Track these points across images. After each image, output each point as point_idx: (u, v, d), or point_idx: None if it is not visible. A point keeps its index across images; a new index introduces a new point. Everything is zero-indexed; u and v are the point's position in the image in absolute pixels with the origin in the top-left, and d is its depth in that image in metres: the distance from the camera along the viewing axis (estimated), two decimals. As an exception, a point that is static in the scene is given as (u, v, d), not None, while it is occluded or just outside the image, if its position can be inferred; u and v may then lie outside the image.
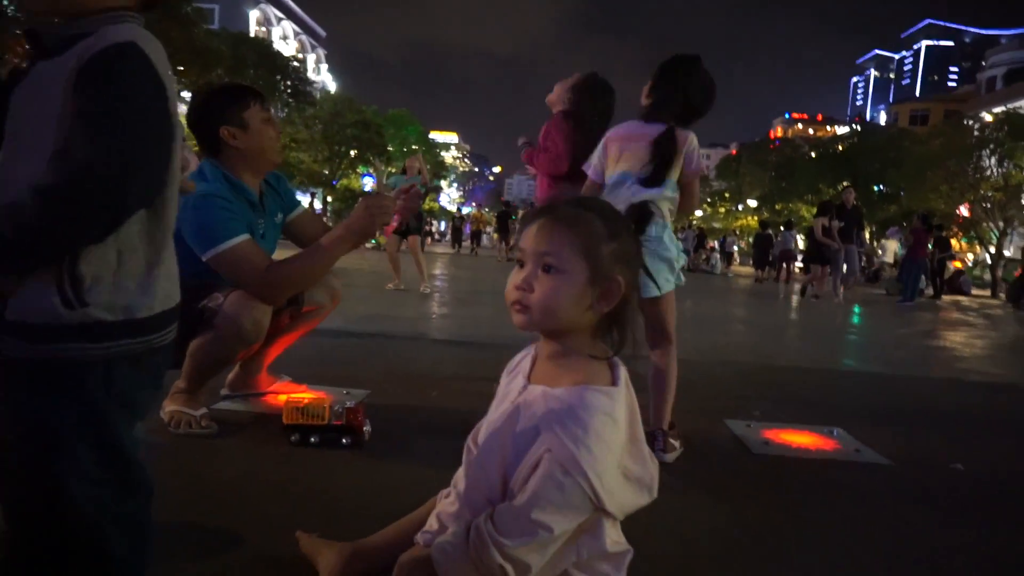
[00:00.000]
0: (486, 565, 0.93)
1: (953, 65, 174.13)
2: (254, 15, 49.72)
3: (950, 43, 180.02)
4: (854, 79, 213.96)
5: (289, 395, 2.30)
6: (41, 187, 0.85)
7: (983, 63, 46.03)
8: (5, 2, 13.11)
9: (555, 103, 2.96)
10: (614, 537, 1.03)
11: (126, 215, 0.92)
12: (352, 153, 31.39)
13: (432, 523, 1.10)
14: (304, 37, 58.12)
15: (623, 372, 1.03)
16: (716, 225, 44.29)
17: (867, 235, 27.39)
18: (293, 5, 56.48)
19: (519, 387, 1.04)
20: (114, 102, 0.89)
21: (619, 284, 0.99)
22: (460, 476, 1.11)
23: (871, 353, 5.48)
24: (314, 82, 33.94)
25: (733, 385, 3.43)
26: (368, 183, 36.79)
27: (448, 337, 4.50)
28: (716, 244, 25.40)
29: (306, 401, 1.98)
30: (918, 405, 3.34)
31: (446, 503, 1.10)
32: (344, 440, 1.95)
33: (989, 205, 24.70)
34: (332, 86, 48.06)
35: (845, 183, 31.69)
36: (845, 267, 11.15)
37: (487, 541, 0.92)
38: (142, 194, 0.93)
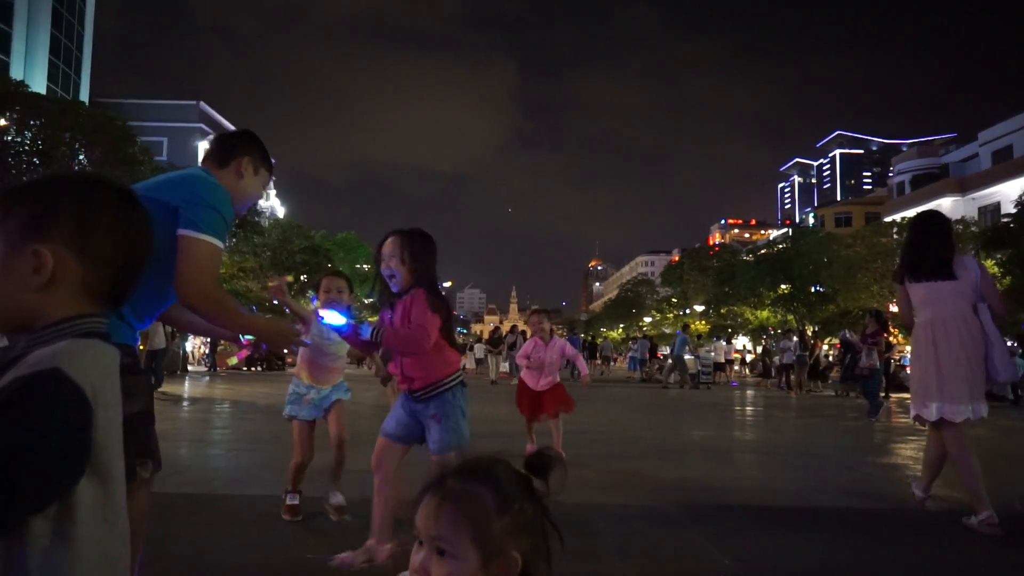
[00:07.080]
0: None
1: (866, 170, 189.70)
2: (202, 146, 50.85)
3: (860, 151, 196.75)
4: (780, 184, 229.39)
5: None
6: None
7: (891, 169, 49.93)
8: None
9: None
10: None
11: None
12: (302, 279, 31.38)
13: None
14: (253, 166, 59.00)
15: None
16: (666, 331, 45.24)
17: (810, 332, 28.39)
18: (242, 136, 57.73)
19: None
20: (5, 434, 0.83)
21: (515, 561, 0.91)
22: None
23: (838, 484, 5.46)
24: (263, 211, 34.32)
25: (697, 534, 3.34)
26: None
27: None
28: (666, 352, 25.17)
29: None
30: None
31: None
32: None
33: (917, 301, 25.95)
34: (280, 211, 48.72)
35: (783, 286, 33.18)
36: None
37: None
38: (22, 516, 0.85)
